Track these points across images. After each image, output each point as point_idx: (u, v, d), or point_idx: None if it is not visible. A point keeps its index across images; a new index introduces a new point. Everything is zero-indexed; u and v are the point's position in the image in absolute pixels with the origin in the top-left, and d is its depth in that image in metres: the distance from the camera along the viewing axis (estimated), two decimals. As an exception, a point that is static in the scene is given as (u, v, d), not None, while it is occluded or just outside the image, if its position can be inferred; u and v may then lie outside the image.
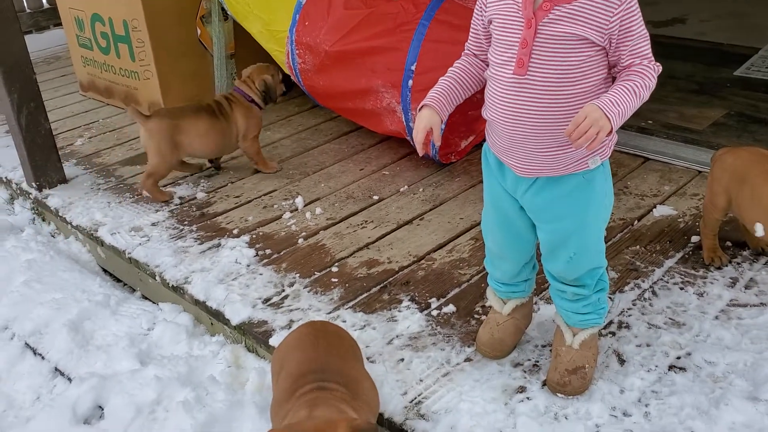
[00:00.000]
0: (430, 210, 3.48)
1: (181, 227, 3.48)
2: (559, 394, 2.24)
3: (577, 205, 2.04)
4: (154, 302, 3.25)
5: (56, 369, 2.88)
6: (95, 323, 3.05)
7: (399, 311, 2.75)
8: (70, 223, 3.66)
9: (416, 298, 2.82)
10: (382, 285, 2.93)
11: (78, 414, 2.59)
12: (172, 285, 3.05)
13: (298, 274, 3.04)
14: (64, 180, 4.00)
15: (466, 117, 3.86)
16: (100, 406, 2.64)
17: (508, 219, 2.20)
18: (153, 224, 3.51)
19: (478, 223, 3.28)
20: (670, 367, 2.32)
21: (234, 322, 2.77)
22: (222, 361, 2.74)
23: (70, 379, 2.80)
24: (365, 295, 2.88)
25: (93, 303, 3.14)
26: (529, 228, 2.20)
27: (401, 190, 3.69)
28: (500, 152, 2.05)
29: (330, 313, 2.77)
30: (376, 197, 3.63)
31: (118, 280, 3.56)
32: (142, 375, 2.69)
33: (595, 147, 1.81)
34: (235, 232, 3.41)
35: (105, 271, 3.63)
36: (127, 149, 4.45)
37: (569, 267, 2.14)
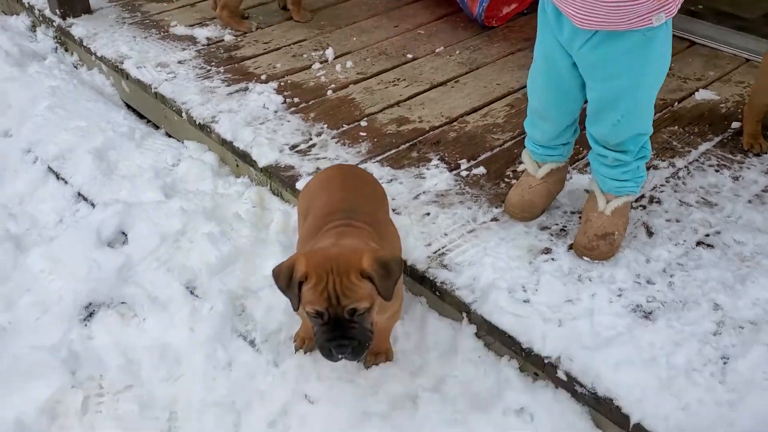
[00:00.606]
0: (466, 73, 3.37)
1: (209, 68, 3.39)
2: (585, 258, 2.24)
3: (634, 64, 1.95)
4: (178, 140, 3.21)
5: (79, 194, 2.89)
6: (120, 153, 3.03)
7: (427, 169, 2.71)
8: (95, 54, 3.56)
9: (446, 158, 2.78)
10: (411, 143, 2.88)
11: (102, 237, 2.61)
12: (199, 123, 3.00)
13: (326, 125, 2.98)
14: (88, 10, 3.86)
15: (511, -18, 3.68)
16: (124, 233, 2.67)
17: (558, 76, 2.12)
18: (180, 62, 3.42)
19: (516, 90, 3.22)
20: (698, 243, 2.31)
21: (261, 164, 2.74)
22: (247, 201, 2.74)
23: (93, 205, 2.81)
24: (394, 151, 2.83)
25: (117, 134, 3.11)
26: (579, 87, 2.12)
27: (437, 50, 3.56)
28: (560, 0, 1.94)
29: (357, 164, 2.73)
30: (410, 56, 3.51)
31: (142, 117, 3.51)
32: (168, 206, 2.69)
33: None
34: (263, 77, 3.32)
35: (128, 106, 3.57)
36: (154, -15, 4.27)
37: (615, 130, 2.08)
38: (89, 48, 3.59)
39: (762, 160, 2.70)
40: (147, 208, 2.68)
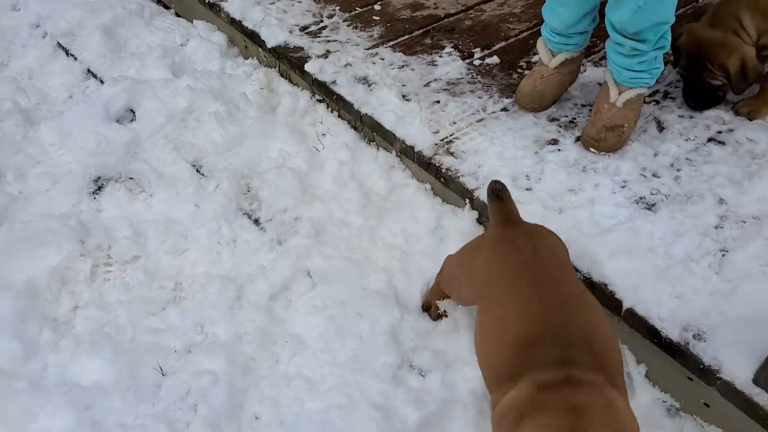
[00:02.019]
0: (488, -40, 3.24)
1: (220, -54, 3.28)
2: (591, 149, 2.22)
3: (659, -57, 1.86)
4: (188, 20, 3.15)
5: (89, 70, 2.87)
6: (129, 31, 2.99)
7: (440, 56, 2.66)
8: (103, -72, 3.45)
9: (459, 46, 2.71)
10: (425, 29, 2.81)
11: (110, 112, 2.62)
12: (208, 1, 2.93)
13: (338, 7, 2.90)
14: None
15: None
16: (132, 110, 2.66)
17: (580, -43, 2.03)
18: (190, -62, 3.31)
19: (536, -22, 3.08)
20: (710, 140, 2.27)
21: (269, 44, 2.70)
22: (255, 83, 2.71)
23: (102, 81, 2.80)
24: (407, 36, 2.76)
25: (127, 11, 3.06)
26: (600, -30, 2.04)
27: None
28: None
29: (368, 49, 2.68)
30: (429, -60, 3.37)
31: (152, -4, 3.44)
32: (175, 84, 2.68)
33: None
34: (276, -43, 3.21)
35: (138, -15, 3.48)
36: None
37: (635, 17, 2.01)
38: None
39: (785, 60, 2.61)
40: (155, 86, 2.67)
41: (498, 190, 1.69)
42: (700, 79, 2.29)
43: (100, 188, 2.42)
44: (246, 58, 2.89)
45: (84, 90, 2.81)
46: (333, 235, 2.23)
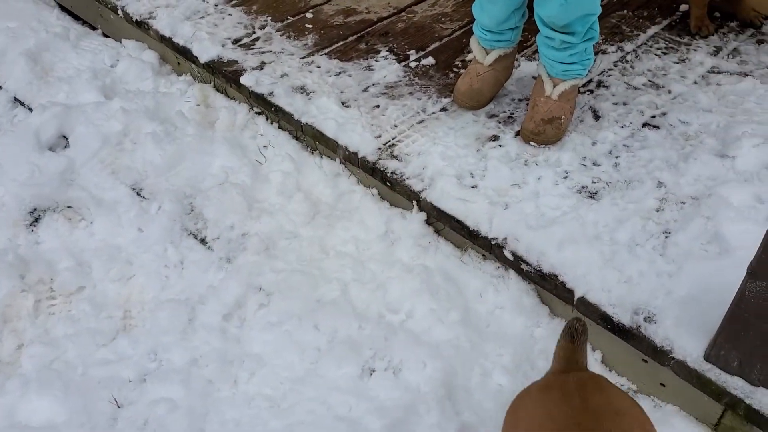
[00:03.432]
0: (414, -38, 3.26)
1: (144, -37, 3.21)
2: (531, 143, 2.25)
3: (580, -62, 1.89)
4: (116, 40, 3.07)
5: (15, 99, 2.77)
6: (55, 55, 2.90)
7: (376, 61, 2.66)
8: (19, -49, 3.34)
9: (395, 50, 2.71)
10: (359, 34, 2.80)
11: (42, 141, 2.53)
12: (136, 20, 2.87)
13: (269, 18, 2.88)
14: None
15: None
16: (64, 136, 2.58)
17: (505, -46, 2.05)
18: (112, -44, 3.23)
19: (464, -23, 3.12)
20: (644, 125, 2.33)
21: (202, 59, 2.65)
22: (190, 99, 2.67)
23: (30, 109, 2.71)
24: (341, 43, 2.76)
25: (51, 35, 2.96)
26: (525, -34, 2.07)
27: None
28: None
29: (304, 58, 2.66)
30: (355, -55, 3.37)
31: (77, 19, 3.34)
32: (108, 107, 2.60)
33: None
34: (201, -30, 3.16)
35: (61, 8, 3.38)
36: None
37: (563, 11, 2.04)
38: (13, -56, 3.36)
39: (708, 42, 2.70)
40: (87, 110, 2.59)
41: (577, 332, 1.44)
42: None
43: (37, 220, 2.34)
44: (179, 74, 2.84)
45: (12, 119, 2.71)
46: (283, 248, 2.21)
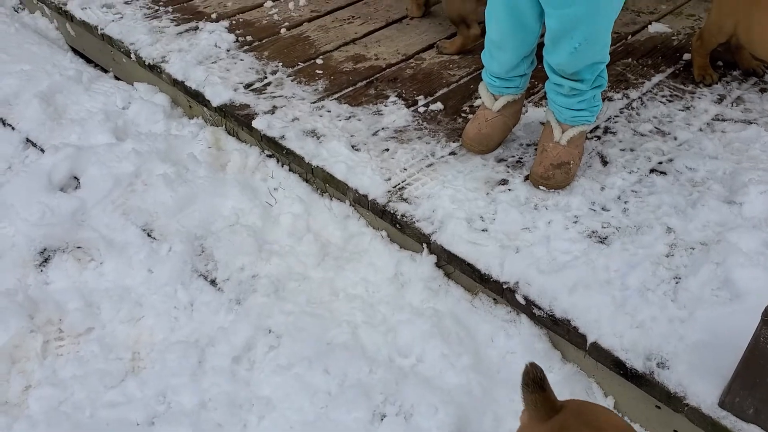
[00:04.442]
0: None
1: (156, 7, 3.28)
2: (541, 187, 2.27)
3: (591, -10, 1.94)
4: (128, 83, 3.12)
5: (27, 140, 2.80)
6: (67, 97, 2.94)
7: (385, 106, 2.70)
8: (36, -4, 3.42)
9: (403, 95, 2.76)
10: (368, 80, 2.85)
11: (54, 181, 2.55)
12: (149, 63, 2.92)
13: (280, 63, 2.93)
14: (25, -50, 3.69)
15: None
16: (76, 177, 2.60)
17: (516, 5, 2.10)
18: (126, 2, 3.31)
19: (471, 26, 3.18)
20: (652, 171, 2.35)
21: (215, 103, 2.69)
22: (202, 142, 2.70)
23: (42, 150, 2.73)
24: (351, 88, 2.80)
25: (64, 77, 3.00)
26: (536, 16, 2.12)
27: (392, -12, 3.50)
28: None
29: (314, 102, 2.70)
30: (364, -7, 3.46)
31: (89, 61, 3.40)
32: (120, 148, 2.63)
33: None
34: (213, 16, 3.23)
35: (74, 50, 3.44)
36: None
37: (572, 59, 2.09)
38: (29, -11, 3.44)
39: (712, 90, 2.75)
40: (99, 152, 2.62)
41: (541, 378, 1.34)
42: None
43: (46, 260, 2.34)
44: (191, 118, 2.87)
45: (23, 160, 2.73)
46: (293, 290, 2.21)
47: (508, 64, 2.30)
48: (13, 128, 2.85)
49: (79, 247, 2.38)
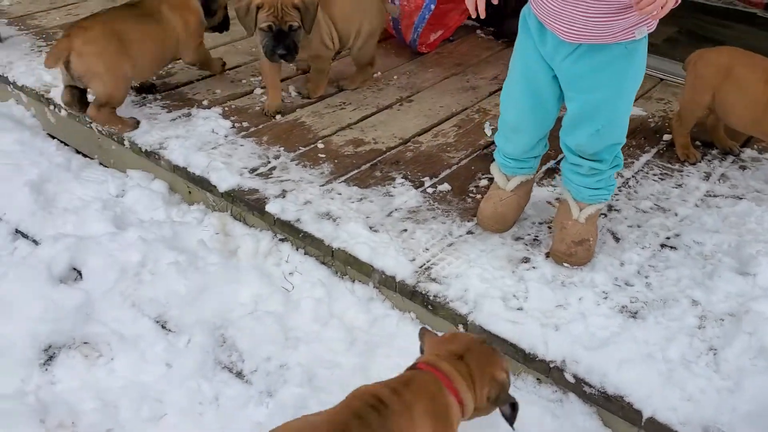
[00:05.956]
0: (408, 96, 3.42)
1: (143, 95, 3.24)
2: (564, 264, 2.31)
3: (616, 76, 2.05)
4: (118, 170, 3.02)
5: (17, 231, 2.65)
6: (58, 186, 2.82)
7: (393, 187, 2.72)
8: (13, 84, 3.31)
9: (409, 177, 2.79)
10: (372, 163, 2.87)
11: (54, 274, 2.40)
12: (146, 150, 2.85)
13: (282, 148, 2.92)
14: (-2, 38, 3.60)
15: (437, 10, 3.78)
16: (75, 269, 2.47)
17: (537, 88, 2.19)
18: (112, 89, 3.24)
19: (460, 112, 3.32)
20: (662, 246, 2.44)
21: (222, 188, 2.64)
22: (208, 228, 2.63)
23: (35, 241, 2.59)
24: (356, 171, 2.82)
25: (53, 165, 2.90)
26: (556, 100, 2.21)
27: (375, 76, 3.59)
28: (546, 15, 2.02)
29: (323, 185, 2.69)
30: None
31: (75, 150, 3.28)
32: (123, 237, 2.53)
33: (662, 15, 1.80)
34: (204, 103, 3.21)
35: (52, 138, 3.32)
36: (65, 14, 4.05)
37: (592, 140, 2.18)
38: (6, 78, 3.33)
39: (698, 168, 2.91)
40: (100, 241, 2.50)
41: None
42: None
43: (51, 357, 2.18)
44: (191, 204, 2.80)
45: (12, 252, 2.57)
46: (326, 378, 2.13)
47: (525, 146, 2.37)
48: (0, 219, 2.70)
49: (86, 343, 2.24)
